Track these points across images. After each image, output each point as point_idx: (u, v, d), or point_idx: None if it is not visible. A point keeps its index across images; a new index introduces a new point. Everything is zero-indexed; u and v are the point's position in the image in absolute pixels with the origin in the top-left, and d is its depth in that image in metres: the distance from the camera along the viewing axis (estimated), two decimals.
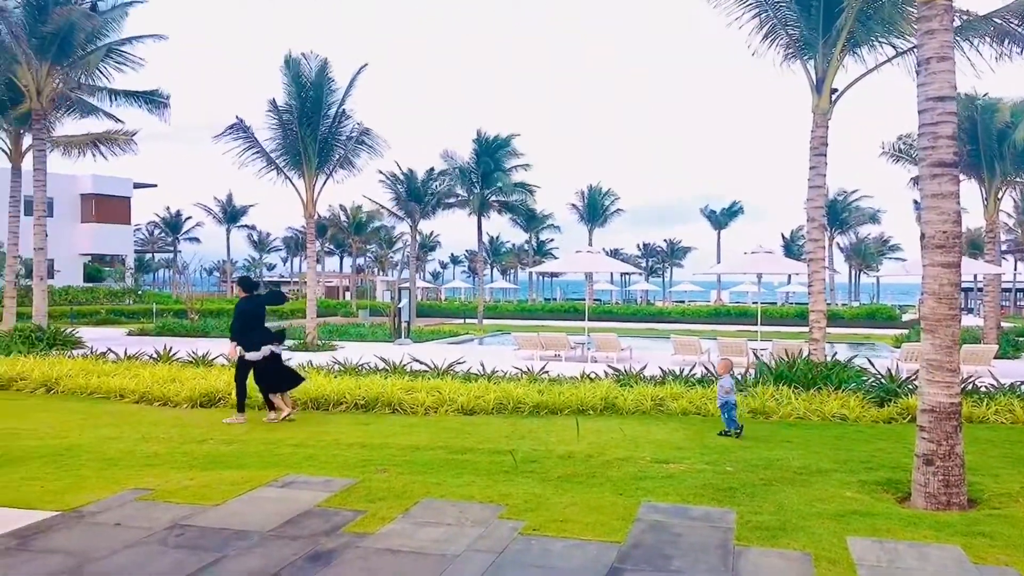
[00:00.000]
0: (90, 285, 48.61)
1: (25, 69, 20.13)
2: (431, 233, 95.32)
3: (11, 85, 21.66)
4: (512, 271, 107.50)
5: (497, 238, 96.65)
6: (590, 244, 64.56)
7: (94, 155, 23.21)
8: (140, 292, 50.45)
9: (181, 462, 7.83)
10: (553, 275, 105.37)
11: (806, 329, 15.96)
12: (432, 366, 14.47)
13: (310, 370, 14.22)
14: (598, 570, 4.97)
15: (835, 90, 14.82)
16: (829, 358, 14.41)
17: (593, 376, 13.51)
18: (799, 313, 48.50)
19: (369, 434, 9.31)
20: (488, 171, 43.80)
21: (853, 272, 75.12)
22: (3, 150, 23.40)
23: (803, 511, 6.24)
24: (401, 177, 41.90)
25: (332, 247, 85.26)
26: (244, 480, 7.03)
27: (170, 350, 16.32)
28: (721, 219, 69.53)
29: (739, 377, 12.96)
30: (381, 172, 41.60)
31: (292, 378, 10.86)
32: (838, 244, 66.13)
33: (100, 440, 8.85)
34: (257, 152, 24.89)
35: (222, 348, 19.74)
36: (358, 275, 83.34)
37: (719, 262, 69.09)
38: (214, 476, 7.19)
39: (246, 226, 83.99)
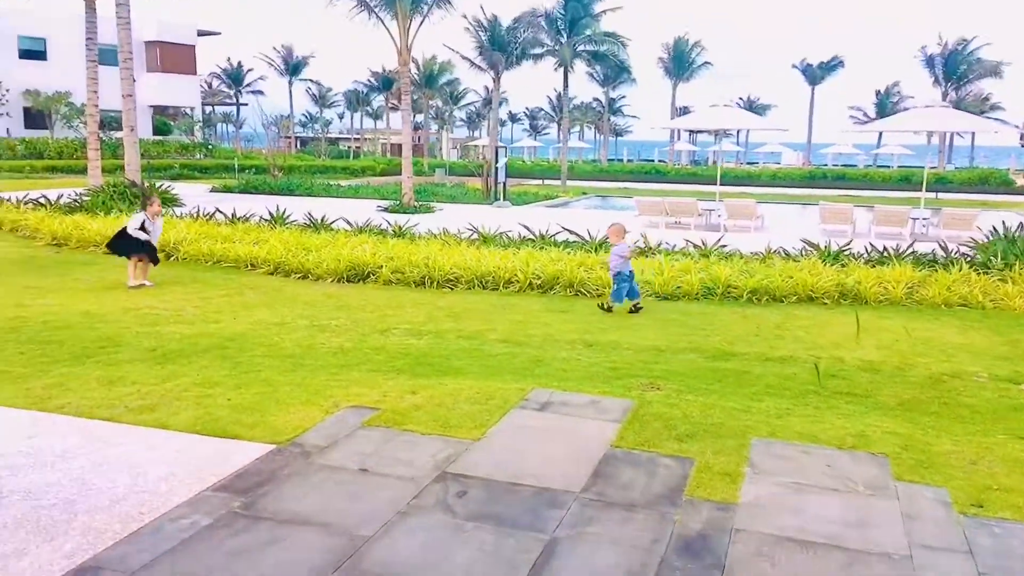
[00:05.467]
0: (159, 138, 47.29)
1: None
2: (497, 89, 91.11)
3: None
4: (579, 130, 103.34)
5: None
6: (673, 100, 60.51)
7: None
8: (210, 147, 49.05)
9: (379, 362, 6.22)
10: (618, 135, 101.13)
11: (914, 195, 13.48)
12: (589, 236, 12.57)
13: (447, 237, 12.50)
14: None
15: None
16: None
17: (785, 252, 11.49)
18: (903, 177, 44.82)
19: (582, 327, 7.57)
20: (576, 17, 40.23)
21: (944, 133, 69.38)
22: None
23: None
24: (485, 24, 38.57)
25: (395, 102, 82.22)
26: (481, 395, 5.37)
27: (283, 211, 14.69)
28: (818, 73, 64.05)
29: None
30: (465, 18, 38.28)
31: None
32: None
33: (263, 327, 7.29)
34: None
35: (310, 207, 18.14)
36: (416, 132, 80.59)
37: (810, 120, 64.51)
38: (438, 387, 5.54)
39: (308, 80, 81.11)
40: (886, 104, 73.15)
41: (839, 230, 17.84)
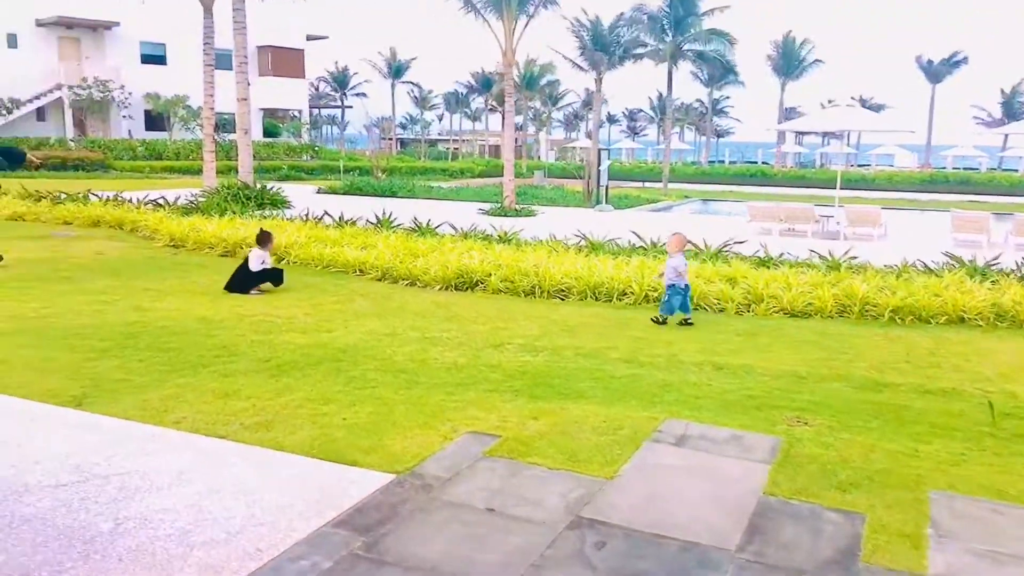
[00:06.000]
0: (269, 140, 48.90)
1: None
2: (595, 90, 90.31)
3: None
4: (679, 131, 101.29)
5: (666, 96, 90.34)
6: (782, 100, 58.35)
7: None
8: (316, 149, 50.41)
9: (496, 381, 5.88)
10: (719, 136, 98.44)
11: None
12: (704, 245, 11.94)
13: (555, 244, 12.12)
14: None
15: None
16: None
17: (924, 265, 10.56)
18: None
19: (708, 347, 7.04)
20: (680, 16, 39.21)
21: None
22: None
23: None
24: (587, 24, 38.02)
25: (494, 104, 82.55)
26: (608, 424, 4.95)
27: (389, 215, 14.67)
28: (941, 71, 60.38)
29: None
30: (565, 18, 37.83)
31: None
32: None
33: (375, 338, 7.08)
34: None
35: (413, 209, 18.25)
36: (515, 133, 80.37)
37: (930, 120, 61.00)
38: (561, 413, 5.15)
39: (409, 82, 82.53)
40: (1013, 104, 68.46)
41: (973, 240, 16.51)
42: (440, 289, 9.72)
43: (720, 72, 50.07)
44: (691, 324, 7.96)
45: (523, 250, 11.70)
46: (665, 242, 12.25)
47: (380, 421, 5.01)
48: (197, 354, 6.38)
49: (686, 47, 40.14)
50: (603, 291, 9.23)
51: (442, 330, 7.46)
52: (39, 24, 40.80)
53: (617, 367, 6.33)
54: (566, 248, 11.97)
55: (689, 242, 9.16)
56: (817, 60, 55.68)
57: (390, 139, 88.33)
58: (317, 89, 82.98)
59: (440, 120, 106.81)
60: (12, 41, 40.34)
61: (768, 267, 10.68)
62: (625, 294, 9.18)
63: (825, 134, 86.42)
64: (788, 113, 65.28)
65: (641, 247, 12.17)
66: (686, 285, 8.10)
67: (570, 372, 6.17)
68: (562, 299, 9.28)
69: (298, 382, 5.77)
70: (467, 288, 9.75)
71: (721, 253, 11.69)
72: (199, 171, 34.34)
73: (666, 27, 39.51)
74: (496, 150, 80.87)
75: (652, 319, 8.10)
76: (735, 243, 12.06)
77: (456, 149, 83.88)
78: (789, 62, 55.00)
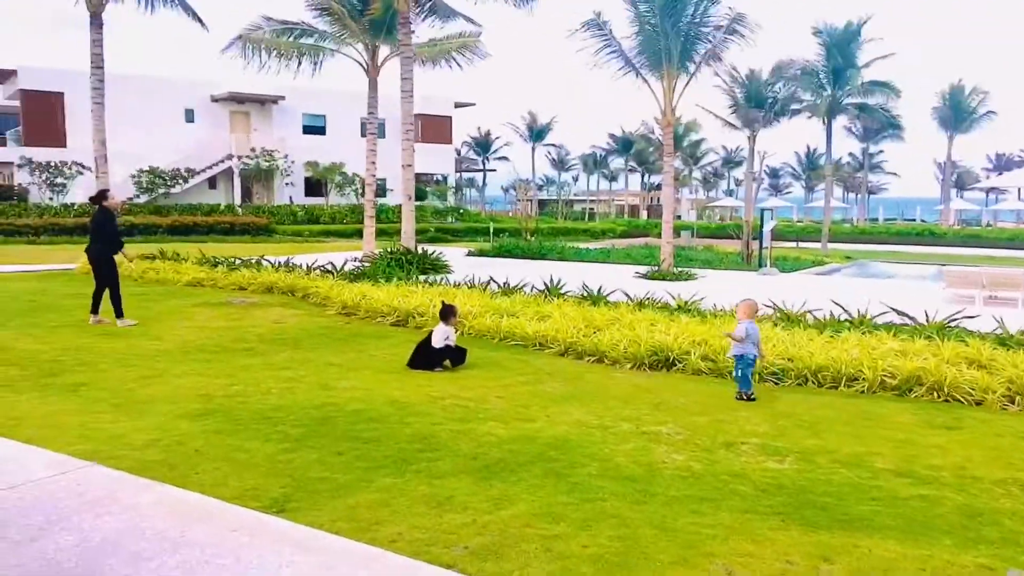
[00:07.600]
0: (416, 203, 50.22)
1: None
2: (736, 148, 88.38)
3: None
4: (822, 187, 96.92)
5: (814, 151, 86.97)
6: (949, 154, 54.44)
7: (449, 64, 21.63)
8: (461, 211, 51.33)
9: (748, 498, 4.86)
10: (871, 192, 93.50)
11: None
12: (926, 318, 10.45)
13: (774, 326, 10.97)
14: None
15: None
16: None
17: None
18: None
19: (997, 456, 5.71)
20: (839, 69, 37.35)
21: None
22: (360, 64, 22.71)
23: None
24: (741, 81, 36.88)
25: (634, 164, 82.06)
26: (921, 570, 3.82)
27: (558, 282, 13.98)
28: None
29: None
30: (718, 75, 36.88)
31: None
32: None
33: (584, 431, 6.24)
34: (613, 51, 21.88)
35: (567, 272, 17.65)
36: (651, 193, 79.18)
37: None
38: (858, 554, 4.07)
39: (551, 144, 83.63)
40: None
41: None
42: (632, 368, 8.81)
43: (880, 125, 47.27)
44: (753, 400, 7.37)
45: (710, 322, 10.65)
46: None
47: (628, 551, 4.11)
48: (397, 447, 5.74)
49: (845, 101, 38.15)
50: (827, 376, 8.02)
51: (657, 422, 6.52)
52: (214, 100, 44.05)
53: (895, 484, 5.15)
54: (758, 320, 10.80)
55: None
56: (990, 112, 51.66)
57: (529, 200, 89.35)
58: (459, 153, 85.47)
59: (576, 181, 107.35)
60: (189, 116, 43.68)
61: (1007, 347, 9.10)
62: (855, 379, 7.93)
63: (990, 190, 79.86)
64: (955, 168, 60.85)
65: (847, 320, 10.82)
66: (755, 356, 7.52)
67: (837, 488, 5.06)
68: (775, 383, 8.15)
69: (514, 488, 4.98)
70: (661, 367, 8.79)
71: (945, 328, 10.17)
72: (352, 234, 35.46)
73: (824, 81, 37.78)
74: (633, 210, 79.94)
75: (736, 398, 7.45)
76: (964, 317, 10.50)
77: (592, 209, 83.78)
78: (958, 114, 51.30)
